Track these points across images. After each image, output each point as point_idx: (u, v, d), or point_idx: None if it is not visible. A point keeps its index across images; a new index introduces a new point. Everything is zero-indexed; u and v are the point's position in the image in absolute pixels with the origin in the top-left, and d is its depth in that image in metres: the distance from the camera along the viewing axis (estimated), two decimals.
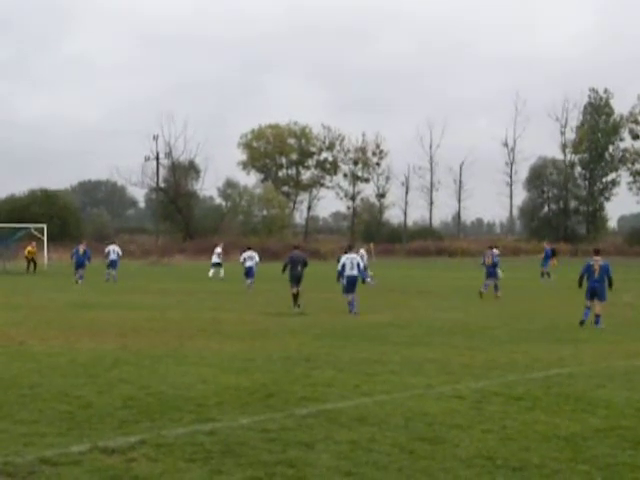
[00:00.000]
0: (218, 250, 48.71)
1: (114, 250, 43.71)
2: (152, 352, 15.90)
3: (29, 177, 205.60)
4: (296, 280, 27.33)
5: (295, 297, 27.07)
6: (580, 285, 22.79)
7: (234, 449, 8.51)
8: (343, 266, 25.88)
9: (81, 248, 42.36)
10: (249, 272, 38.20)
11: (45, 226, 61.42)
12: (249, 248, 39.90)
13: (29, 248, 55.20)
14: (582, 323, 21.98)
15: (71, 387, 12.00)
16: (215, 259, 48.13)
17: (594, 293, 22.23)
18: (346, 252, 27.04)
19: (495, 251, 35.14)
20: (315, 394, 11.63)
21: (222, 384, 12.38)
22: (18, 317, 23.07)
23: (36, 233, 61.26)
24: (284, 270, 28.31)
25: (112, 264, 43.17)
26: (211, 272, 47.31)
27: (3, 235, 59.82)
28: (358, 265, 25.83)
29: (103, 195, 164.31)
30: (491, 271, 34.18)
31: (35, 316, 23.43)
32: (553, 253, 48.99)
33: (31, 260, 54.41)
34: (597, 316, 21.96)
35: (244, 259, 38.96)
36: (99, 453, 8.31)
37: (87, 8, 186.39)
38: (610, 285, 22.35)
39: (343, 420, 9.93)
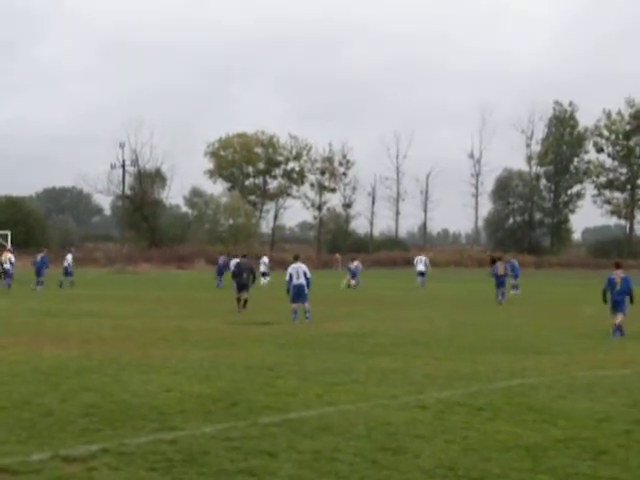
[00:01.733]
0: (265, 260, 51.31)
1: (66, 258, 45.85)
2: (116, 360, 15.81)
3: None
4: (242, 287, 29.61)
5: (239, 301, 29.41)
6: (605, 300, 22.53)
7: (196, 458, 8.49)
8: (290, 276, 26.24)
9: (39, 256, 43.39)
10: None
11: (9, 233, 60.92)
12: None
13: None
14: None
15: (33, 395, 11.90)
16: (263, 269, 49.33)
17: (616, 306, 22.17)
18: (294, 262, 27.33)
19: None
20: (279, 403, 11.63)
21: (186, 392, 12.34)
22: None
23: (0, 240, 60.74)
24: (233, 277, 30.51)
25: (64, 272, 45.42)
26: (262, 281, 47.33)
27: None
28: (305, 274, 26.05)
29: (68, 202, 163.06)
30: (502, 281, 36.79)
31: None
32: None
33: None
34: (617, 326, 21.85)
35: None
36: (60, 461, 8.26)
37: (56, 14, 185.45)
38: (632, 299, 22.20)
39: (306, 429, 9.93)
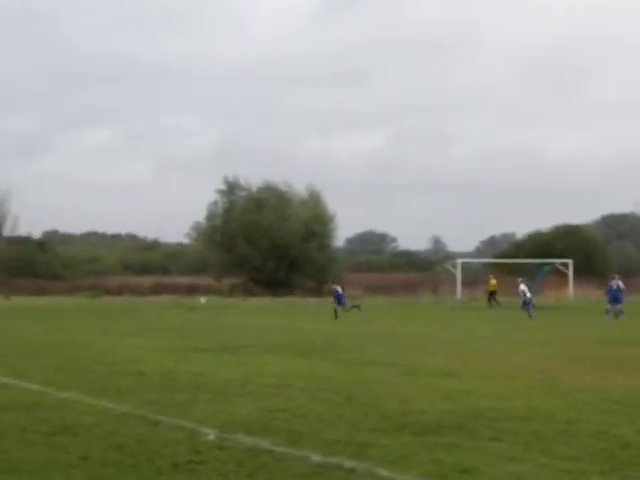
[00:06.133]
0: None
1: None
2: None
3: (555, 213, 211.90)
4: None
5: None
6: None
7: None
8: None
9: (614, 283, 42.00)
10: None
11: (570, 261, 61.93)
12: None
13: (493, 281, 56.22)
14: None
15: (607, 425, 11.86)
16: None
17: None
18: None
19: None
20: None
21: None
22: (549, 352, 23.44)
23: (561, 268, 62.07)
24: None
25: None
26: None
27: (529, 270, 61.50)
28: None
29: (627, 228, 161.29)
30: None
31: (565, 351, 23.64)
32: None
33: (492, 293, 55.58)
34: None
35: None
36: None
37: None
38: None
39: None
